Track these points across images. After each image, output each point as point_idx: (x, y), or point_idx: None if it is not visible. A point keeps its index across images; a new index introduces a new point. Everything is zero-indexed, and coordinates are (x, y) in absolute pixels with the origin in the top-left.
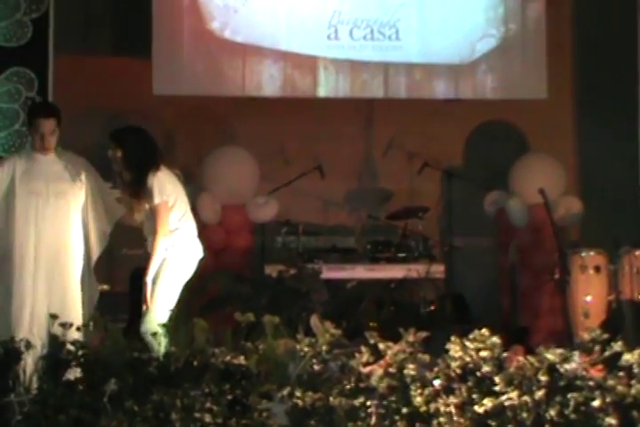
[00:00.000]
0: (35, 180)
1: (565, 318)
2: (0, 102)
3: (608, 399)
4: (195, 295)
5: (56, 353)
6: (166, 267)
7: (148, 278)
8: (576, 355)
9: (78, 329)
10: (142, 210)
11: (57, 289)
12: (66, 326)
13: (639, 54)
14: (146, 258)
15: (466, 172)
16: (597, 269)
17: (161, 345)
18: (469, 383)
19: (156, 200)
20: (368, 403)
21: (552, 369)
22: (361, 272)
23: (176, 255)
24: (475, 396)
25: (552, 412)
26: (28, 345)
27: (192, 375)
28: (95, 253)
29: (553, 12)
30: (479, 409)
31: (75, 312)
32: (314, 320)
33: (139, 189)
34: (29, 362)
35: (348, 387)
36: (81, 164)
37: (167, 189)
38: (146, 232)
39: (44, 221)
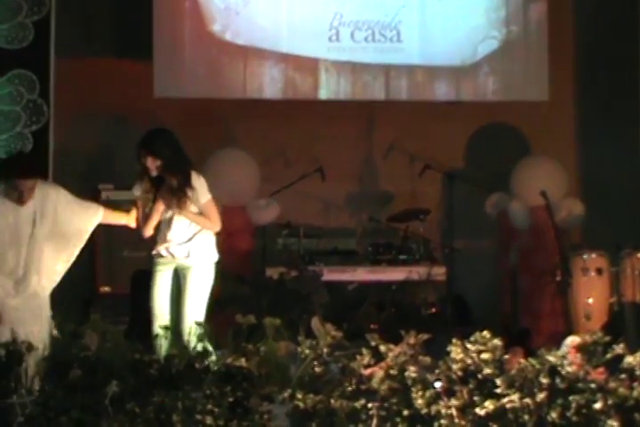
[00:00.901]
0: (12, 232)
1: (567, 320)
2: (2, 105)
3: (610, 402)
4: None
5: (57, 355)
6: (192, 278)
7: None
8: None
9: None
10: (189, 210)
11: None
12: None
13: None
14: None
15: (467, 174)
16: (599, 271)
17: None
18: (470, 386)
19: (207, 197)
20: (369, 405)
21: (553, 371)
22: (362, 274)
23: (197, 264)
24: (476, 398)
25: (553, 414)
26: (30, 347)
27: (193, 377)
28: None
29: (555, 13)
30: (480, 411)
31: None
32: (315, 322)
33: (187, 191)
34: (31, 364)
35: (349, 389)
36: (52, 199)
37: (207, 187)
38: (170, 235)
39: (23, 266)
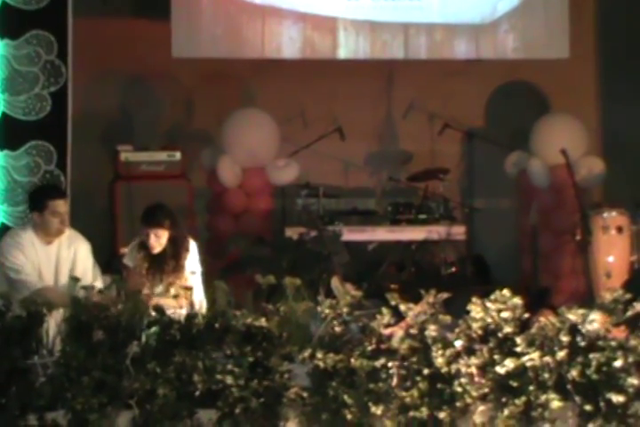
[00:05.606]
0: (39, 268)
1: (587, 278)
2: (20, 66)
3: (630, 359)
4: (216, 258)
5: (79, 316)
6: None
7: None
8: (596, 314)
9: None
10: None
11: None
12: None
13: None
14: None
15: (487, 132)
16: (619, 229)
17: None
18: (490, 344)
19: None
20: (389, 364)
21: (574, 329)
22: (381, 234)
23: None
24: (496, 357)
25: (574, 372)
26: (51, 307)
27: (214, 338)
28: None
29: None
30: (500, 370)
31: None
32: (335, 282)
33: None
34: (52, 324)
35: (369, 348)
36: (74, 247)
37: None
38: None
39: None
